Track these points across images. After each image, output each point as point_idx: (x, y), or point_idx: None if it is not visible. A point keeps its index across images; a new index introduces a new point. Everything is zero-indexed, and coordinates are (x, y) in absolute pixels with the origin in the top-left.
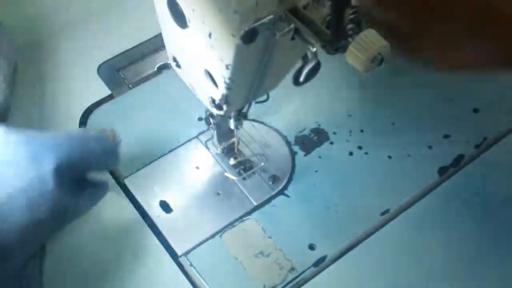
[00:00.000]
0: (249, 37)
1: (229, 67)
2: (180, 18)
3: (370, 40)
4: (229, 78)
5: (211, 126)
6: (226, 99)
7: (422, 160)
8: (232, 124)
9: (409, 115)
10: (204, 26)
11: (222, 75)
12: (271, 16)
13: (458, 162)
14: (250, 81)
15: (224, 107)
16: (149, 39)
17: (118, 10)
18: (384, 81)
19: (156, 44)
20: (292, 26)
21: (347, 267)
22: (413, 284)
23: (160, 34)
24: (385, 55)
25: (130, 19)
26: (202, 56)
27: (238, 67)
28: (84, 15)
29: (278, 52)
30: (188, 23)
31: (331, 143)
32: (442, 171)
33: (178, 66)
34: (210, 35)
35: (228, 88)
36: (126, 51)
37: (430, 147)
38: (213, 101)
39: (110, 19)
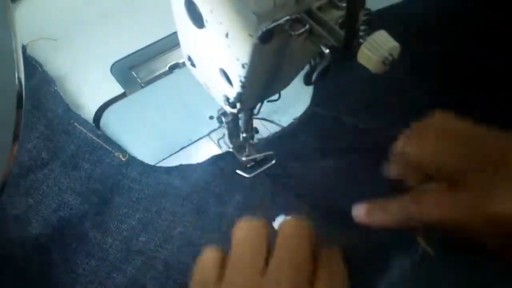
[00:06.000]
0: (266, 37)
1: (245, 66)
2: (197, 19)
3: (381, 41)
4: (245, 77)
5: (223, 124)
6: (240, 97)
7: None
8: (243, 122)
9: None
10: (221, 26)
11: (238, 74)
12: (288, 17)
13: None
14: (264, 80)
15: (238, 105)
16: (161, 39)
17: (131, 10)
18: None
19: (168, 43)
20: (307, 27)
21: None
22: None
23: (172, 33)
24: (396, 56)
25: (142, 18)
26: (218, 55)
27: (253, 66)
28: (97, 15)
29: (292, 52)
30: (205, 24)
31: None
32: None
33: (193, 65)
34: (227, 35)
35: (243, 86)
36: (139, 50)
37: None
38: (227, 99)
39: (123, 19)
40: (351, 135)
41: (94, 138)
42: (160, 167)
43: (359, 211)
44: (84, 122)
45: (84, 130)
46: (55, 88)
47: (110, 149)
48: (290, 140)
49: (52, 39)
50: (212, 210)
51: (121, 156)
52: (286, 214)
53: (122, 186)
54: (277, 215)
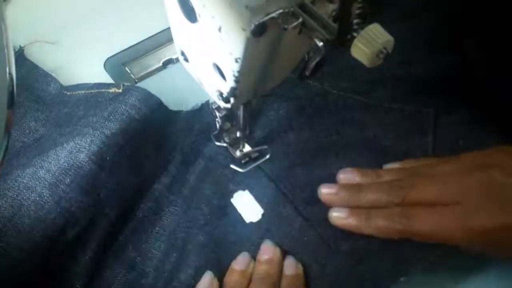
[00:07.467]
0: (259, 31)
1: (238, 60)
2: (189, 13)
3: (375, 34)
4: (238, 71)
5: (216, 119)
6: (233, 92)
7: None
8: (237, 117)
9: None
10: (214, 21)
11: (231, 68)
12: (281, 11)
13: None
14: (258, 74)
15: (232, 100)
16: (154, 35)
17: (124, 5)
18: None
19: (161, 39)
20: (300, 20)
21: None
22: None
23: (166, 29)
24: (390, 50)
25: (135, 14)
26: (211, 49)
27: (247, 61)
28: (90, 11)
29: (285, 46)
30: (198, 18)
31: None
32: None
33: (186, 60)
34: (220, 29)
35: (236, 81)
36: (132, 46)
37: None
38: (221, 94)
39: (116, 14)
40: (331, 105)
41: (87, 91)
42: (154, 99)
43: (342, 214)
44: (74, 86)
45: (76, 92)
46: (43, 70)
47: (103, 90)
48: (265, 110)
49: (45, 41)
50: (177, 170)
51: (115, 89)
52: (244, 190)
53: (120, 112)
54: (236, 190)
